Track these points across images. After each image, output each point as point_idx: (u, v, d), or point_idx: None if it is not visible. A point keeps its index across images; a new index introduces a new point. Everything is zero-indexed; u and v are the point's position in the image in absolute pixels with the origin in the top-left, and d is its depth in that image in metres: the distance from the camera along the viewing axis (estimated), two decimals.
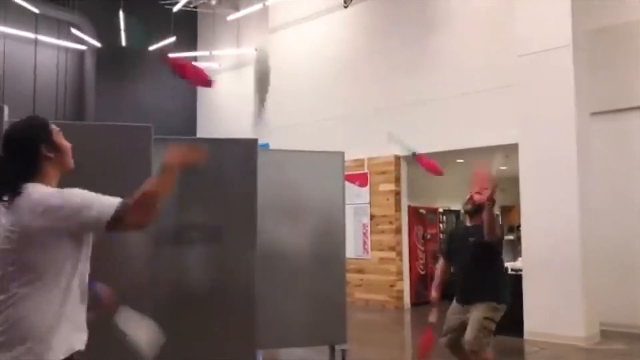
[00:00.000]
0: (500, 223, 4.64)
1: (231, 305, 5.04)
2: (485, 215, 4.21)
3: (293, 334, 5.83)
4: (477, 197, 4.48)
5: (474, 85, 9.04)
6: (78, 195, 1.91)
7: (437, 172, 5.00)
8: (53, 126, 2.09)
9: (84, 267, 2.01)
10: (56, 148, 2.05)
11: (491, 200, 4.15)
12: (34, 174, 1.97)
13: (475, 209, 4.50)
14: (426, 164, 4.99)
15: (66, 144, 2.10)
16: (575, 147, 7.12)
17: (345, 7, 10.98)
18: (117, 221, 1.86)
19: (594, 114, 7.69)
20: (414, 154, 5.10)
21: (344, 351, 5.99)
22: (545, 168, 7.37)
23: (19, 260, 1.86)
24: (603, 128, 7.83)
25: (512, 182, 7.79)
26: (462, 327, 4.42)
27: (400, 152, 9.93)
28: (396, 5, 10.31)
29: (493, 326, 4.38)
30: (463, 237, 4.61)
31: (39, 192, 1.92)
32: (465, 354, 4.42)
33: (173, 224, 5.05)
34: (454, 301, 4.63)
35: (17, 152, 1.98)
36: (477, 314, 4.32)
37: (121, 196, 1.95)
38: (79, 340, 1.97)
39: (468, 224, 4.66)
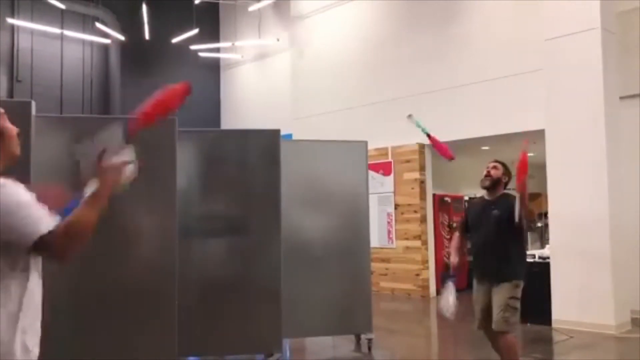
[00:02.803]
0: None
1: (257, 295, 5.09)
2: (522, 201, 4.07)
3: (319, 324, 5.86)
4: (494, 173, 4.45)
5: (499, 70, 8.90)
6: (15, 195, 1.64)
7: (448, 156, 5.00)
8: None
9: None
10: None
11: (523, 188, 4.07)
12: None
13: (493, 184, 4.46)
14: (438, 147, 5.05)
15: (11, 128, 1.81)
16: (604, 132, 6.97)
17: None
18: (44, 244, 1.62)
19: (623, 98, 7.52)
20: (428, 135, 5.19)
21: (369, 340, 6.00)
22: (572, 154, 7.24)
23: None
24: (633, 112, 7.65)
25: (538, 169, 7.66)
26: (490, 308, 4.35)
27: (422, 140, 9.86)
28: None
29: (518, 304, 4.32)
30: (484, 211, 4.47)
31: None
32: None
33: (198, 216, 5.11)
34: (475, 283, 4.53)
35: None
36: (502, 294, 4.26)
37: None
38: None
39: (487, 197, 4.54)
